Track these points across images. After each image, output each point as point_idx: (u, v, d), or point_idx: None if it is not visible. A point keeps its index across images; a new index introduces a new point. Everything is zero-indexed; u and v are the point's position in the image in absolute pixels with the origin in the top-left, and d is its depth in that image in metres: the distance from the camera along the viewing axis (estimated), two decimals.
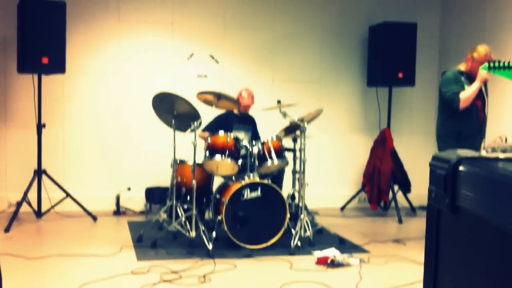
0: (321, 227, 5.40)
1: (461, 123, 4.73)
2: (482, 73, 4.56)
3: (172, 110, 4.87)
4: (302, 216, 4.85)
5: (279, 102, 5.05)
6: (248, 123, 5.65)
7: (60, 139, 6.19)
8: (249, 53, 6.62)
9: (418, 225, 5.80)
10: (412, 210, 6.51)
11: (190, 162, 4.96)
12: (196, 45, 6.44)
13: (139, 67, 6.34)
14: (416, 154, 6.81)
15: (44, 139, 5.72)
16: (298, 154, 5.16)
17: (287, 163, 5.09)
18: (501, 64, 2.85)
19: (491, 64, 2.83)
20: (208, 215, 5.25)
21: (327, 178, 6.82)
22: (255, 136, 5.64)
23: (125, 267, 4.13)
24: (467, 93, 4.64)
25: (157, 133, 6.01)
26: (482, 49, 4.68)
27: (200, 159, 4.89)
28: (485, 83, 4.67)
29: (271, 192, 4.78)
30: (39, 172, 5.65)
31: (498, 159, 2.19)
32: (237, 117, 5.60)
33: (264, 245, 4.71)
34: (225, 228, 4.63)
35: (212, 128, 5.43)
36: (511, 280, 1.81)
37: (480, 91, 4.67)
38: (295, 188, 5.47)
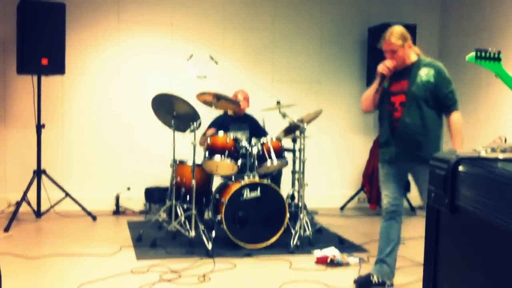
0: (320, 226, 5.40)
1: (379, 127, 3.86)
2: (378, 67, 3.61)
3: (172, 111, 4.87)
4: (301, 215, 4.85)
5: (278, 102, 5.05)
6: (244, 123, 5.63)
7: (60, 140, 6.19)
8: (248, 53, 6.62)
9: (417, 225, 5.79)
10: (412, 210, 6.52)
11: (190, 162, 4.97)
12: (196, 46, 6.44)
13: (138, 67, 6.34)
14: None
15: (43, 139, 5.72)
16: (297, 154, 5.16)
17: (286, 163, 5.09)
18: (488, 54, 2.27)
19: (478, 54, 2.26)
20: (207, 215, 5.25)
21: (327, 178, 6.82)
22: (258, 133, 5.54)
23: (124, 267, 4.13)
24: (364, 93, 3.77)
25: (157, 134, 6.01)
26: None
27: (199, 159, 4.90)
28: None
29: (270, 192, 4.78)
30: (39, 172, 5.65)
31: (497, 159, 2.20)
32: (232, 118, 5.58)
33: (263, 244, 4.72)
34: (225, 227, 4.64)
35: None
36: (510, 279, 1.82)
37: (411, 84, 3.52)
38: (294, 188, 5.47)
